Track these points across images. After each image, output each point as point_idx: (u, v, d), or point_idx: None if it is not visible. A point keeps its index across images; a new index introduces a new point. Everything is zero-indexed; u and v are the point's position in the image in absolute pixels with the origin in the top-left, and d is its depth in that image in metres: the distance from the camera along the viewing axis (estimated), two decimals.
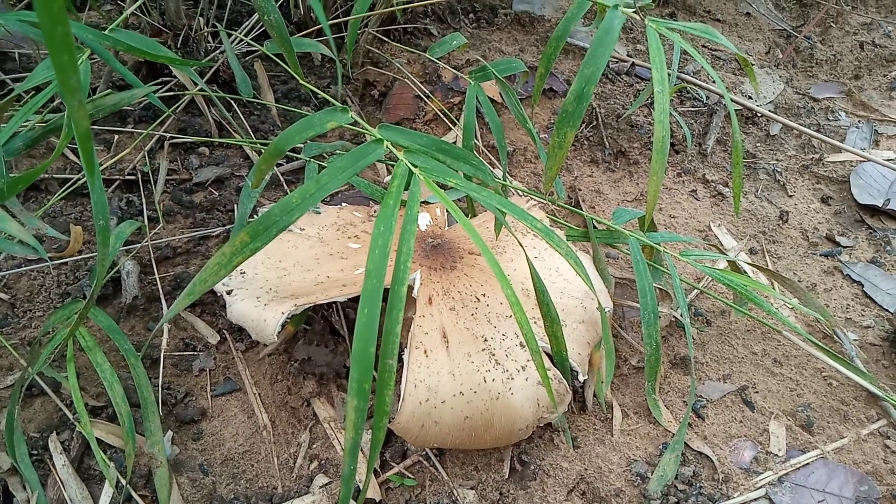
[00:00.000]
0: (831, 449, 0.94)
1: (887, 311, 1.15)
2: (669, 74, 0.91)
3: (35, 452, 0.82)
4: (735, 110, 0.98)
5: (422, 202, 0.91)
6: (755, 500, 0.87)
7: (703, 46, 1.75)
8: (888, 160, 1.42)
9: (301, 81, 0.88)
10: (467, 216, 1.08)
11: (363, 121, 0.76)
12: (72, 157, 1.17)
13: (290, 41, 0.89)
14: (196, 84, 1.19)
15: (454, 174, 0.74)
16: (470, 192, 0.73)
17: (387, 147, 0.74)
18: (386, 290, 0.61)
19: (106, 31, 0.78)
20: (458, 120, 1.37)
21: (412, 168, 0.71)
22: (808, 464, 0.91)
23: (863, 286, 1.20)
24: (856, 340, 1.10)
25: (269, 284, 0.88)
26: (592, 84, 0.83)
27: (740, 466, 0.91)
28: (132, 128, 1.23)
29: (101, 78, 1.22)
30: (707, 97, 1.54)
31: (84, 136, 0.50)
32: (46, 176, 1.12)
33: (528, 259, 0.73)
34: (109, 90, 1.06)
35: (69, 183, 1.09)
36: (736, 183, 0.96)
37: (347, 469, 0.61)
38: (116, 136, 1.22)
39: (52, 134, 0.85)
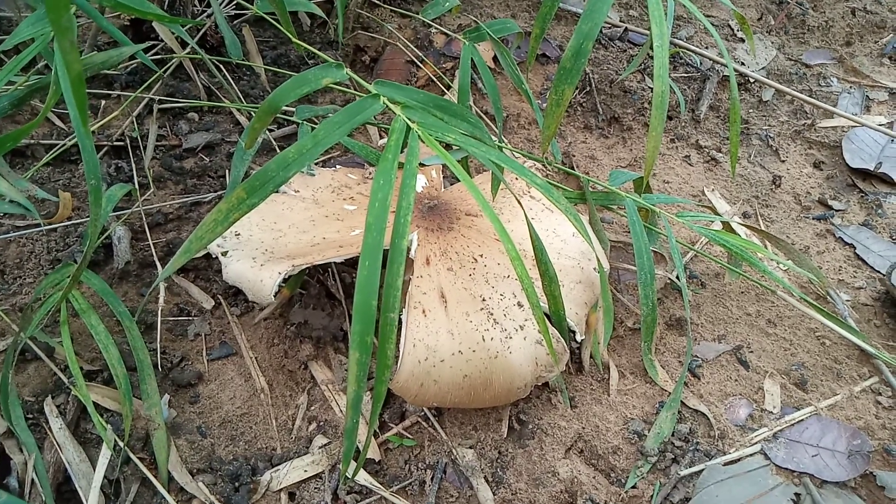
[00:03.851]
0: (825, 406, 0.95)
1: (879, 272, 1.16)
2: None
3: (30, 416, 0.81)
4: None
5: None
6: (751, 455, 0.88)
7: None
8: (880, 125, 1.43)
9: (294, 40, 0.86)
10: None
11: (356, 83, 0.74)
12: (58, 122, 1.15)
13: None
14: (183, 48, 1.17)
15: (452, 130, 0.73)
16: (469, 148, 0.72)
17: (383, 103, 0.72)
18: (385, 251, 0.61)
19: None
20: (451, 85, 1.36)
21: (410, 123, 0.70)
22: (802, 420, 0.92)
23: (855, 248, 1.20)
24: (848, 301, 1.11)
25: (264, 245, 0.87)
26: (590, 40, 0.82)
27: (736, 423, 0.92)
28: (119, 93, 1.20)
29: (85, 41, 1.19)
30: (700, 63, 1.53)
31: (76, 81, 0.49)
32: (32, 142, 1.10)
33: (526, 217, 0.73)
34: (95, 53, 1.03)
35: (56, 147, 1.07)
36: (733, 142, 0.96)
37: (350, 423, 0.61)
38: (103, 102, 1.19)
39: (37, 94, 0.82)
